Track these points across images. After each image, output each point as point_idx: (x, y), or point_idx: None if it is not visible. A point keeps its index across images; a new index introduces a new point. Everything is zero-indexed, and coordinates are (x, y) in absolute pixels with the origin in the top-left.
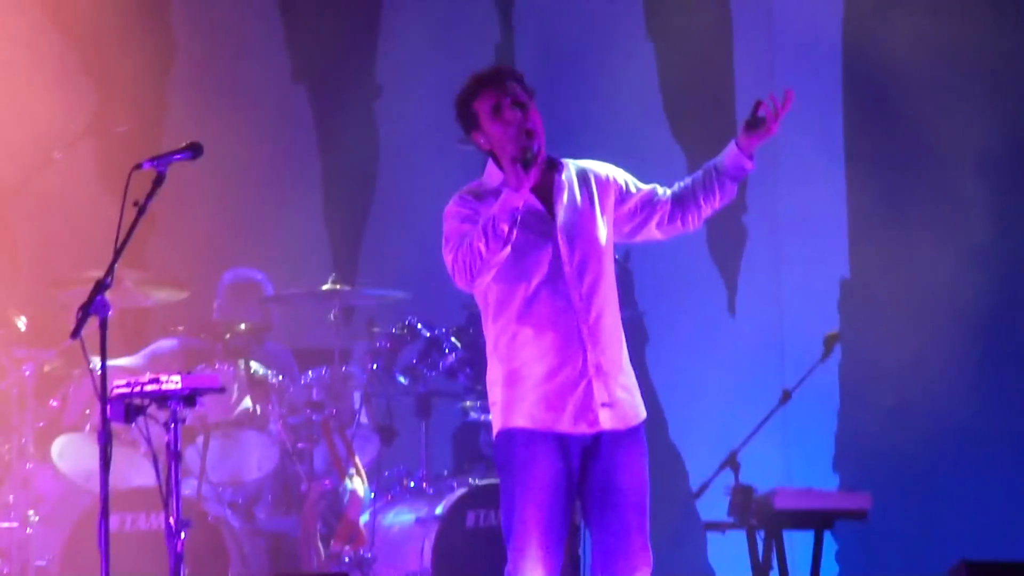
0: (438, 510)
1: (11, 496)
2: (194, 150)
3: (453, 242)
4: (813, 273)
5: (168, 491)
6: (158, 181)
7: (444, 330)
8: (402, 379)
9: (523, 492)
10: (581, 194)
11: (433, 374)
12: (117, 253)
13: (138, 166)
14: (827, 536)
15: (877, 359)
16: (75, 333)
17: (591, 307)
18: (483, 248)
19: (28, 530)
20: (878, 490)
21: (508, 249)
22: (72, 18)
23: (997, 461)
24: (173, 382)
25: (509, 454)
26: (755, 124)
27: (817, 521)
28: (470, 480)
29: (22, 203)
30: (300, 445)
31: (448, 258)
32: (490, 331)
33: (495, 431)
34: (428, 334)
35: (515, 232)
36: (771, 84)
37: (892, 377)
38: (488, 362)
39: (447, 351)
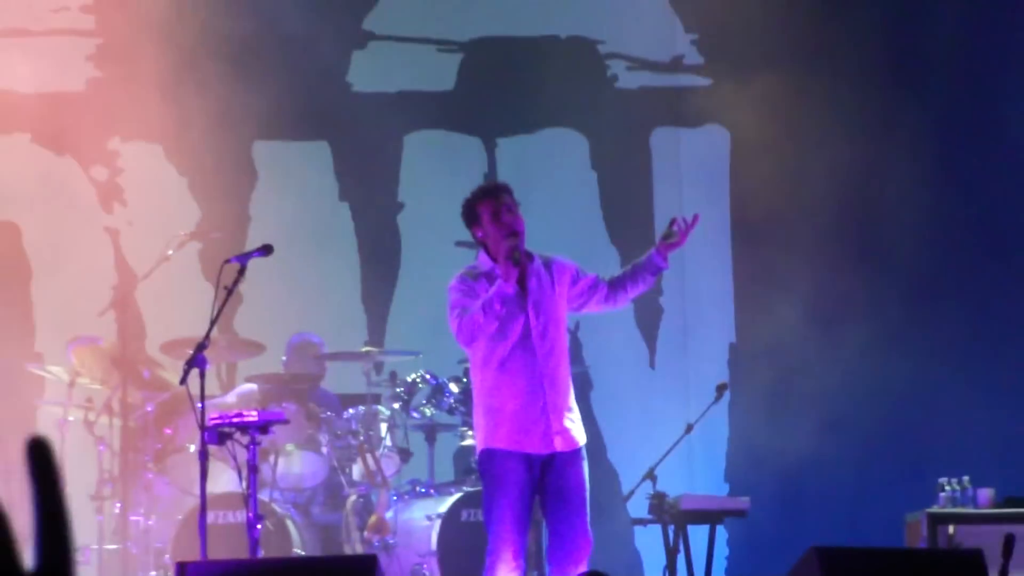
0: (441, 509)
1: (139, 497)
2: (266, 250)
3: (456, 311)
4: (710, 338)
5: (248, 495)
6: (241, 272)
7: (445, 379)
8: (415, 415)
9: (500, 494)
10: (544, 279)
11: (437, 411)
12: (212, 323)
13: (227, 261)
14: (719, 529)
15: (755, 401)
16: (182, 381)
17: (549, 362)
18: (481, 320)
19: (150, 521)
20: (756, 495)
21: (498, 321)
22: (182, 153)
23: (845, 466)
24: (252, 416)
25: (490, 466)
26: (669, 236)
27: (711, 518)
28: (464, 488)
29: (147, 286)
30: (343, 462)
31: (453, 324)
32: (476, 377)
33: (479, 450)
34: (434, 382)
35: (503, 309)
36: (678, 205)
37: (765, 415)
38: (474, 400)
39: (447, 394)
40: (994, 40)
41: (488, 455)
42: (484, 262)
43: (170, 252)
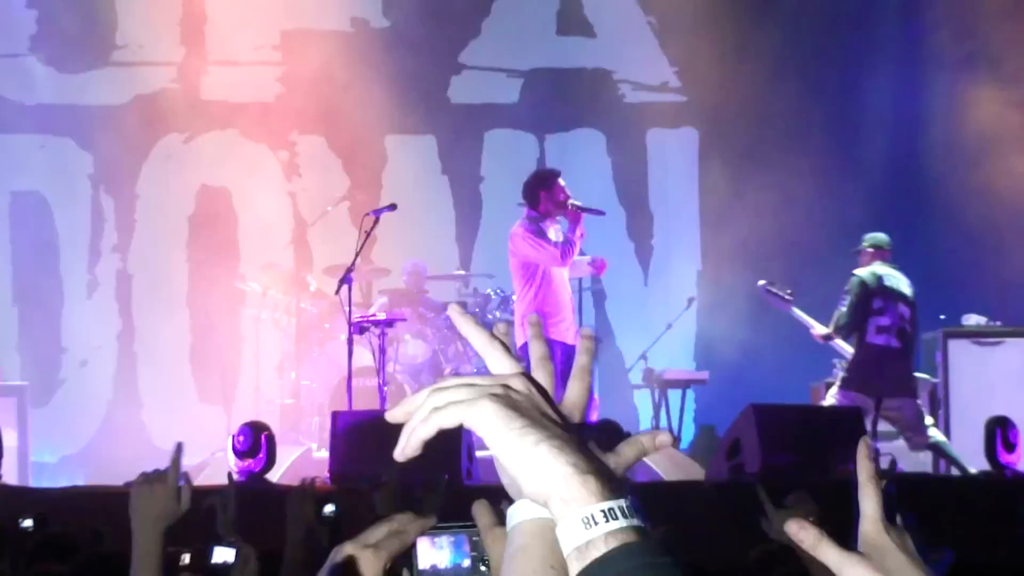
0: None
1: (307, 369)
2: (392, 207)
3: (545, 243)
4: (684, 267)
5: (379, 367)
6: (375, 222)
7: (509, 293)
8: (489, 316)
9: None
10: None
11: (503, 313)
12: (356, 255)
13: (367, 214)
14: (688, 393)
15: (712, 309)
16: (336, 292)
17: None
18: (577, 245)
19: (314, 384)
20: (714, 370)
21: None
22: (338, 142)
23: (772, 351)
24: (381, 316)
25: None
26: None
27: (683, 385)
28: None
29: (314, 231)
30: (442, 346)
31: (552, 251)
32: (529, 290)
33: (520, 343)
34: (501, 295)
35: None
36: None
37: (719, 317)
38: (518, 302)
39: (510, 302)
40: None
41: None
42: (541, 218)
43: (329, 208)
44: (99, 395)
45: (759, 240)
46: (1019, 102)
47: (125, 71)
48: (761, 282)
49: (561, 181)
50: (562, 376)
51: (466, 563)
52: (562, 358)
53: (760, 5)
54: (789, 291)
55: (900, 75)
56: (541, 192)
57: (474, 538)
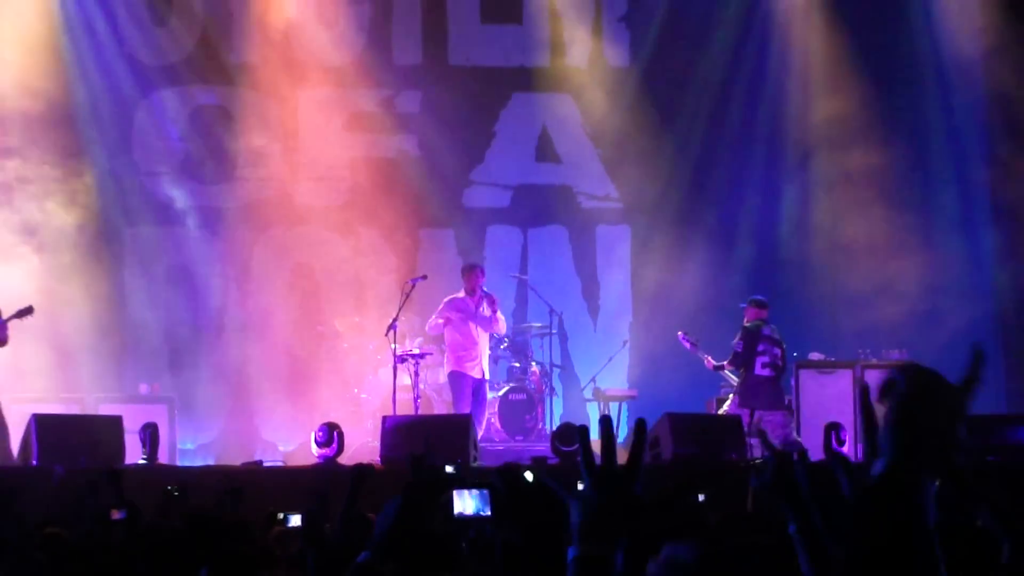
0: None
1: (367, 386)
2: (424, 277)
3: (437, 313)
4: (620, 319)
5: (414, 386)
6: (412, 287)
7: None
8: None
9: (461, 396)
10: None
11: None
12: (399, 309)
13: (407, 281)
14: (624, 405)
15: (641, 352)
16: (386, 334)
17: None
18: (483, 317)
19: (371, 397)
20: (641, 389)
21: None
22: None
23: (683, 373)
24: (417, 350)
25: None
26: None
27: (620, 399)
28: (512, 383)
29: (373, 291)
30: None
31: (433, 318)
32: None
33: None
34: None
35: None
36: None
37: (649, 353)
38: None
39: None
40: None
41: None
42: (465, 292)
43: (410, 283)
44: (223, 403)
45: (673, 300)
46: (844, 196)
47: (244, 184)
48: (680, 332)
49: (477, 273)
50: (472, 401)
51: (487, 511)
52: (472, 386)
53: (673, 143)
54: (695, 339)
55: (766, 181)
56: (463, 277)
57: (492, 493)
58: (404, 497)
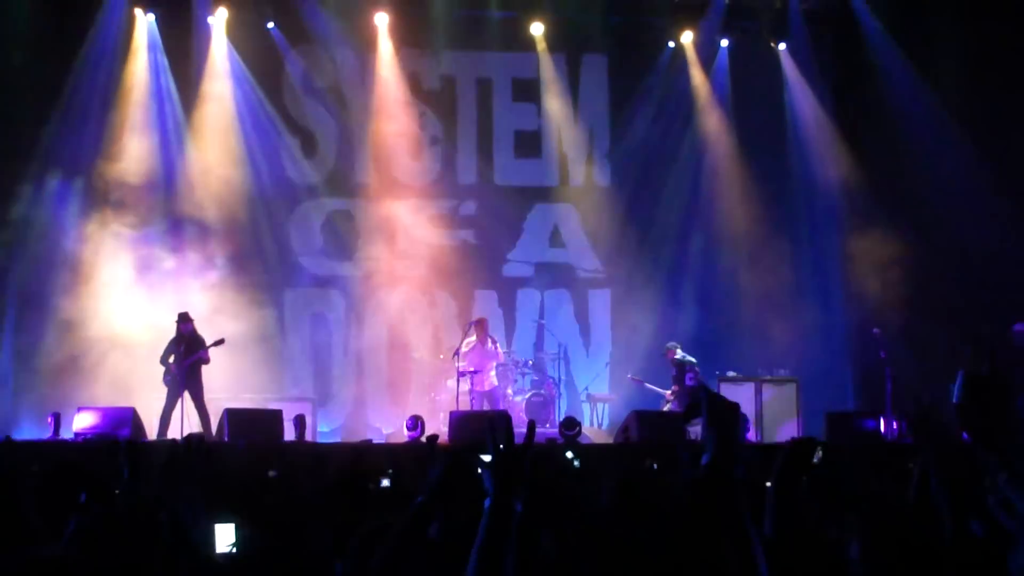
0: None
1: (436, 393)
2: (477, 320)
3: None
4: (601, 348)
5: (470, 392)
6: (470, 327)
7: (521, 358)
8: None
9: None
10: None
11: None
12: (461, 341)
13: (468, 323)
14: (608, 405)
15: (619, 372)
16: (452, 358)
17: None
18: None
19: (437, 398)
20: (619, 395)
21: None
22: None
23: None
24: (471, 368)
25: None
26: None
27: (603, 400)
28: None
29: (445, 330)
30: (501, 384)
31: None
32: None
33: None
34: (520, 360)
35: None
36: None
37: (621, 373)
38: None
39: (524, 365)
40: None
41: None
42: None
43: (471, 325)
44: (346, 401)
45: (637, 337)
46: (745, 264)
47: (362, 261)
48: (628, 375)
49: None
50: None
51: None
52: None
53: (639, 235)
54: (640, 377)
55: (702, 256)
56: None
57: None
58: (453, 456)
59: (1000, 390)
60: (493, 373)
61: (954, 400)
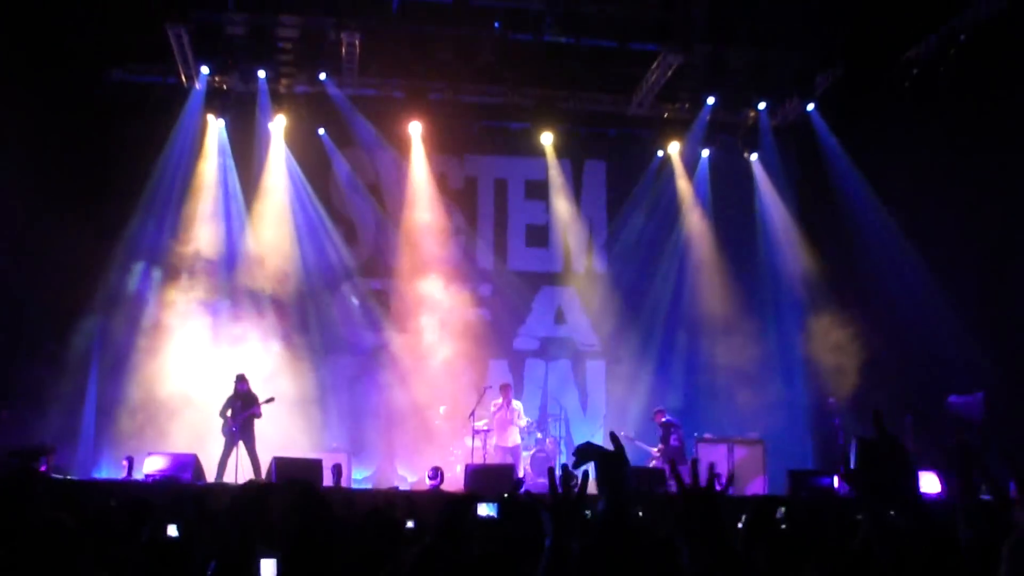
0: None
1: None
2: (491, 387)
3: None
4: (597, 407)
5: (483, 448)
6: (484, 392)
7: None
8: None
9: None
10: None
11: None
12: (476, 404)
13: (482, 387)
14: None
15: (613, 425)
16: (469, 417)
17: None
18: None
19: (455, 452)
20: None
21: None
22: None
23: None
24: (485, 427)
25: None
26: None
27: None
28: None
29: (465, 394)
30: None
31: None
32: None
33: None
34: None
35: None
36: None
37: (614, 426)
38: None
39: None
40: None
41: None
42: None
43: (493, 390)
44: (376, 453)
45: (627, 401)
46: (720, 344)
47: (395, 333)
48: (621, 432)
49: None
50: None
51: (495, 515)
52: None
53: (629, 314)
54: (628, 434)
55: (687, 337)
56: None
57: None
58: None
59: (891, 452)
60: (517, 432)
61: (851, 466)
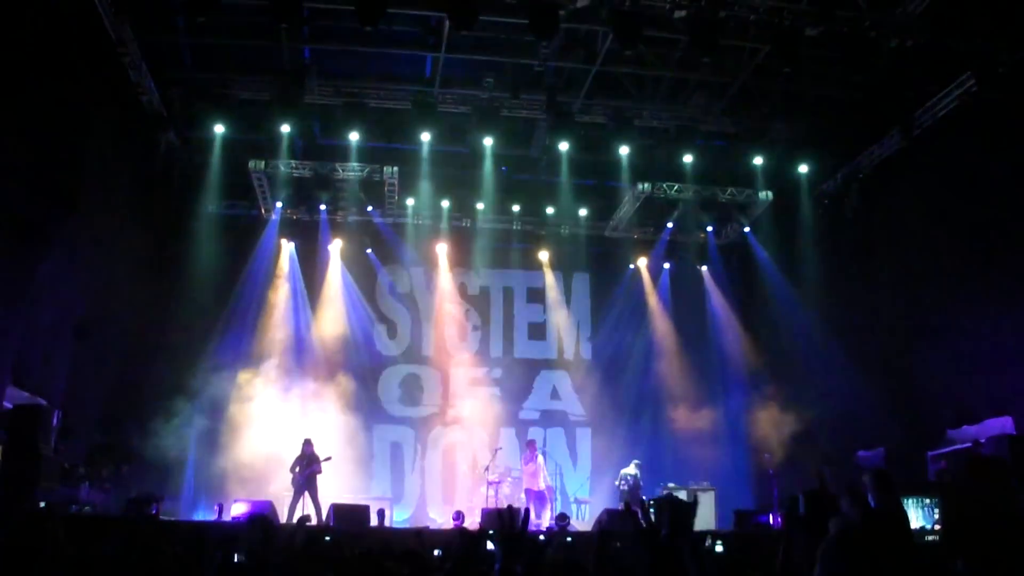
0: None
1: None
2: (500, 448)
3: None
4: (583, 464)
5: (494, 497)
6: (496, 452)
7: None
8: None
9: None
10: None
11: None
12: (491, 460)
13: (494, 448)
14: (587, 507)
15: (598, 478)
16: (484, 471)
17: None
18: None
19: (474, 500)
20: (595, 494)
21: None
22: None
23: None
24: (495, 478)
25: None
26: None
27: (582, 502)
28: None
29: (480, 452)
30: (520, 492)
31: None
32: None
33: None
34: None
35: None
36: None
37: (596, 478)
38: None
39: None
40: None
41: None
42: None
43: (500, 448)
44: (413, 500)
45: (608, 461)
46: (678, 411)
47: (425, 408)
48: (616, 481)
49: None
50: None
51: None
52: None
53: (609, 390)
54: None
55: (651, 408)
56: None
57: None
58: (467, 537)
59: (829, 501)
60: (542, 478)
61: (800, 512)
